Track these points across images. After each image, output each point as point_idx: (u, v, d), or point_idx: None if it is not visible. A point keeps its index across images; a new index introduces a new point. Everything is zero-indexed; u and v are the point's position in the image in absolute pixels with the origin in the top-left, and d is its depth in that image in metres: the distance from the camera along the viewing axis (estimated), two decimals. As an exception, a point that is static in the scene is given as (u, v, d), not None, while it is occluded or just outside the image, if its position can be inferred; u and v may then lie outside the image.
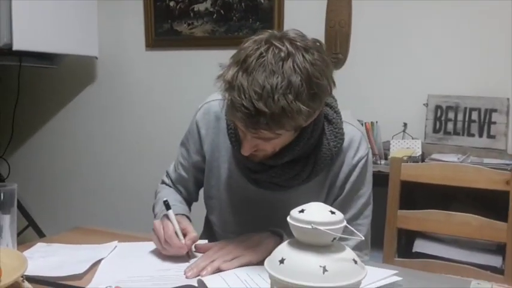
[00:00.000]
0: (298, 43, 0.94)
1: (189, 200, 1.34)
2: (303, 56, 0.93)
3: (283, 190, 1.15)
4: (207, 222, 1.37)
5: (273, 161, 1.09)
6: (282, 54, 0.92)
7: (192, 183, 1.32)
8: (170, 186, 1.35)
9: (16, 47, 2.31)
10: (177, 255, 1.08)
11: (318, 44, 0.99)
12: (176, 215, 1.12)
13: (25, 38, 2.35)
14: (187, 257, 1.08)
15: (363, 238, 0.66)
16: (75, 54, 2.83)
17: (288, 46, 0.93)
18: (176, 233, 1.07)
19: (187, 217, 1.18)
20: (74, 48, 2.73)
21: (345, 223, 0.65)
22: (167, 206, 1.11)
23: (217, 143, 1.22)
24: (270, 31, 0.98)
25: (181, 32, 2.75)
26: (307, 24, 2.47)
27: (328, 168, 1.14)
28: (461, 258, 1.75)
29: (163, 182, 1.38)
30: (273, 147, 1.04)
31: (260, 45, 0.94)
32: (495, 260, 1.77)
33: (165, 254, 1.09)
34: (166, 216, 1.11)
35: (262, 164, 1.11)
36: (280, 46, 0.92)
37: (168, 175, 1.37)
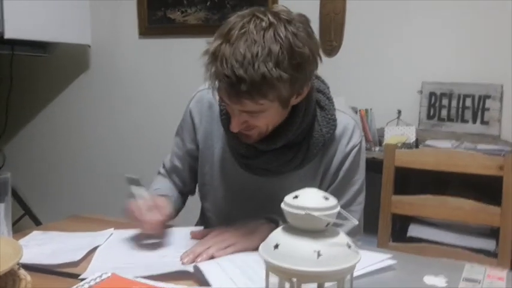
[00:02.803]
0: (282, 15, 0.96)
1: (185, 191, 1.34)
2: (285, 27, 0.94)
3: (277, 176, 1.15)
4: (203, 210, 1.37)
5: (266, 146, 1.09)
6: (264, 24, 0.93)
7: (187, 172, 1.32)
8: (165, 177, 1.35)
9: (8, 35, 2.30)
10: (176, 243, 1.09)
11: (303, 18, 1.00)
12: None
13: (17, 26, 2.33)
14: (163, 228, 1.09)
15: (357, 222, 0.66)
16: (68, 43, 2.82)
17: (270, 17, 0.94)
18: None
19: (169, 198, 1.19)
20: (67, 37, 2.72)
21: (338, 208, 0.65)
22: (130, 181, 1.11)
23: (210, 130, 1.22)
24: (256, 7, 1.00)
25: (175, 19, 2.73)
26: (302, 11, 2.46)
27: (321, 155, 1.15)
28: (455, 242, 1.76)
29: (159, 173, 1.38)
30: (263, 123, 1.03)
31: (243, 17, 0.96)
32: (488, 244, 1.78)
33: (146, 230, 1.08)
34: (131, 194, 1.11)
35: (254, 150, 1.11)
36: (262, 17, 0.94)
37: (164, 166, 1.37)
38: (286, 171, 1.14)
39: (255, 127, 1.04)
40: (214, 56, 0.95)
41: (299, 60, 0.95)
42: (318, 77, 1.16)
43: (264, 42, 0.92)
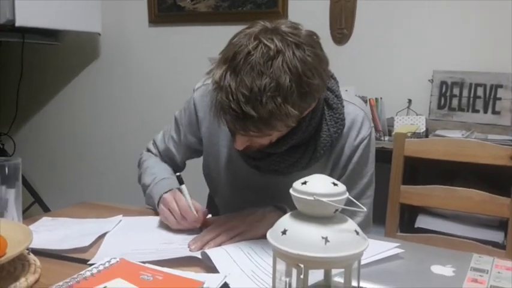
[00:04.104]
0: (289, 38, 0.89)
1: (176, 171, 1.32)
2: (293, 53, 0.88)
3: (284, 175, 1.14)
4: (210, 200, 1.37)
5: (271, 149, 1.07)
6: (271, 53, 0.87)
7: (180, 159, 1.31)
8: (156, 156, 1.34)
9: (19, 23, 2.30)
10: (183, 230, 1.09)
11: (313, 37, 0.95)
12: (177, 188, 1.13)
13: (28, 14, 2.34)
14: (199, 230, 1.08)
15: (366, 209, 0.66)
16: (78, 31, 2.82)
17: (278, 43, 0.88)
18: (189, 207, 1.08)
19: None
20: (77, 25, 2.72)
21: (347, 195, 0.65)
22: (180, 181, 1.10)
23: (215, 127, 1.20)
24: (262, 23, 0.94)
25: (185, 7, 2.72)
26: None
27: (329, 151, 1.13)
28: (464, 233, 1.76)
29: (148, 150, 1.36)
30: (267, 141, 1.01)
31: (249, 41, 0.89)
32: (497, 236, 1.78)
33: (176, 228, 1.09)
34: (178, 190, 1.11)
35: (260, 152, 1.09)
36: (269, 44, 0.88)
37: (155, 144, 1.35)
38: (294, 171, 1.12)
39: (258, 143, 1.03)
40: (219, 86, 0.90)
41: (308, 89, 0.90)
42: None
43: (271, 73, 0.86)
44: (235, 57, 0.89)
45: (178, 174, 1.12)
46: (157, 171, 1.24)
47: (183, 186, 1.10)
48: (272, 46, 0.88)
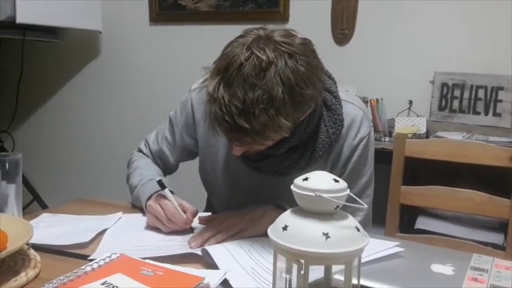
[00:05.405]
0: (282, 48, 0.89)
1: (167, 173, 1.33)
2: (285, 63, 0.88)
3: (284, 176, 1.13)
4: (209, 204, 1.37)
5: (270, 152, 1.07)
6: (263, 64, 0.87)
7: (173, 161, 1.30)
8: (148, 157, 1.33)
9: (19, 20, 2.30)
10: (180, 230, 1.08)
11: (307, 45, 0.94)
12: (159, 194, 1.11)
13: (28, 11, 2.34)
14: (190, 230, 1.09)
15: (366, 206, 0.66)
16: (79, 28, 2.82)
17: (270, 53, 0.88)
18: (177, 210, 1.07)
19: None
20: (78, 22, 2.72)
21: (348, 191, 0.65)
22: (162, 185, 1.10)
23: None
24: (256, 31, 0.93)
25: (186, 6, 2.72)
26: (314, -1, 2.45)
27: (328, 151, 1.13)
28: (463, 235, 1.76)
29: (140, 150, 1.35)
30: (264, 146, 1.00)
31: (242, 52, 0.89)
32: (497, 238, 1.78)
33: (168, 231, 1.08)
34: (161, 195, 1.10)
35: (259, 154, 1.09)
36: (260, 55, 0.87)
37: (147, 144, 1.34)
38: (293, 172, 1.11)
39: (256, 149, 1.03)
40: (213, 98, 0.90)
41: (301, 99, 0.90)
42: (325, 73, 1.09)
43: (264, 85, 0.86)
44: (228, 68, 0.89)
45: (159, 179, 1.11)
46: (146, 172, 1.24)
47: (166, 190, 1.09)
48: (264, 57, 0.87)
